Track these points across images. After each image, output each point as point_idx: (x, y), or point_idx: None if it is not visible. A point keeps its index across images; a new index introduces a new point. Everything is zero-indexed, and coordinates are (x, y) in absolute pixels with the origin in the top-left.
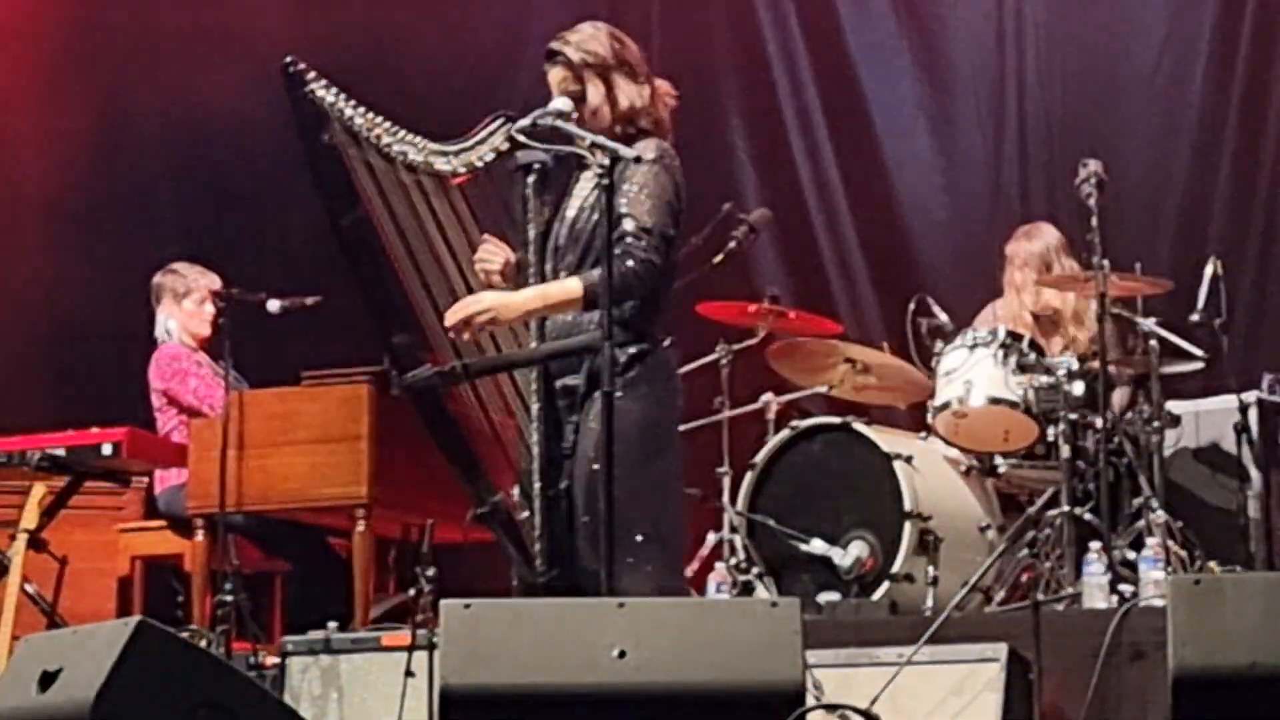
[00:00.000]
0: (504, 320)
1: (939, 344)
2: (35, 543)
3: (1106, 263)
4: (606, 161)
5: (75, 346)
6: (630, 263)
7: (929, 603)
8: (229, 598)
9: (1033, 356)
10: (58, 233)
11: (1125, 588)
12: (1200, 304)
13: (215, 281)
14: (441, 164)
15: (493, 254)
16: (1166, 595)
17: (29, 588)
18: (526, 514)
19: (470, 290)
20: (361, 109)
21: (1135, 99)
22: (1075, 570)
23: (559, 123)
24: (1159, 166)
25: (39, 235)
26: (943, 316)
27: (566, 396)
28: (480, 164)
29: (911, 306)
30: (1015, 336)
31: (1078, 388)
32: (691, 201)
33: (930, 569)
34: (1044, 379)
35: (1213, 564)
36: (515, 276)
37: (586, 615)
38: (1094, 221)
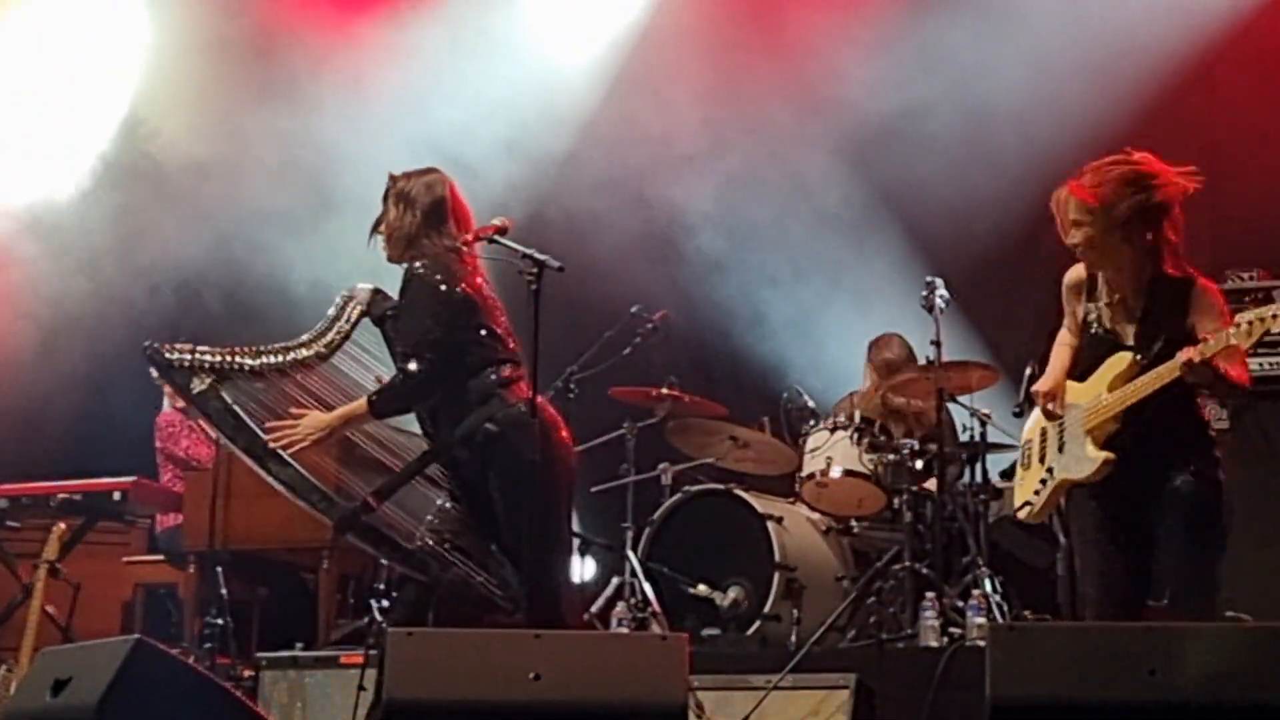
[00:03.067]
0: (316, 439)
1: (807, 424)
2: (54, 571)
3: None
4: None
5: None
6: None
7: (793, 638)
8: (216, 620)
9: (883, 438)
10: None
11: (954, 630)
12: (1020, 398)
13: None
14: (304, 354)
15: (294, 425)
16: (986, 637)
17: (48, 609)
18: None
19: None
20: (216, 351)
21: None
22: (914, 615)
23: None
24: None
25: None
26: (811, 403)
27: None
28: (339, 336)
29: (784, 395)
30: (869, 421)
31: (919, 465)
32: (605, 303)
33: (795, 611)
34: (891, 457)
35: (1026, 612)
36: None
37: (508, 643)
38: (936, 328)
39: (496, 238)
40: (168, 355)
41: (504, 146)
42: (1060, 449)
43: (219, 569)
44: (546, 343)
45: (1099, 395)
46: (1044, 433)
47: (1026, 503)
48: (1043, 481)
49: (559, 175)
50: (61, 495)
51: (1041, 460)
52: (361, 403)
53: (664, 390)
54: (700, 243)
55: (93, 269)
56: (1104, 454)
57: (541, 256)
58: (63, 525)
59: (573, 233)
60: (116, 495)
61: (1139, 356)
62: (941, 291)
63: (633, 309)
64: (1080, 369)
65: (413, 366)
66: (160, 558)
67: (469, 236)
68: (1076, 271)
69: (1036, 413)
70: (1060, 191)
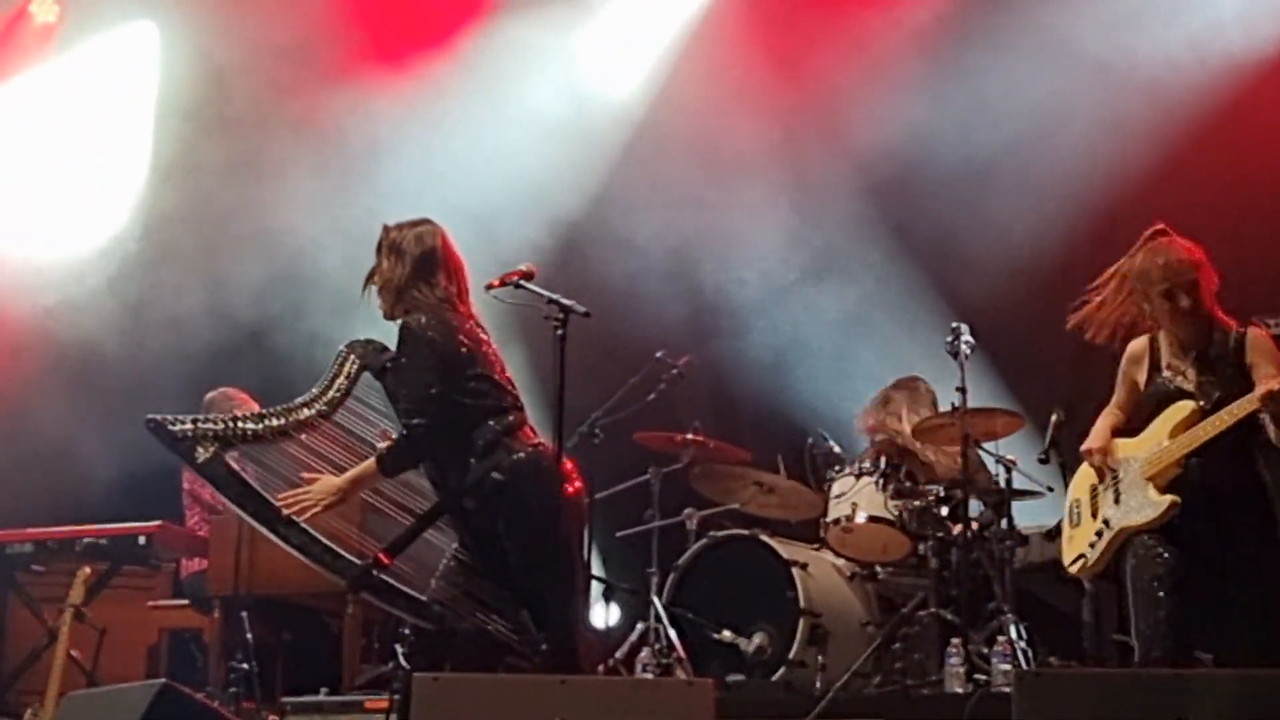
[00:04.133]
0: (329, 504)
1: (832, 470)
2: (80, 615)
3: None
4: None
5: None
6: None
7: (818, 684)
8: (241, 665)
9: (908, 484)
10: None
11: (980, 676)
12: (1046, 444)
13: (253, 408)
14: (307, 414)
15: (386, 445)
16: (1012, 684)
17: (73, 653)
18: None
19: None
20: (219, 419)
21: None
22: (939, 661)
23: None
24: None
25: None
26: (836, 448)
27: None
28: (339, 394)
29: (809, 440)
30: (894, 467)
31: (944, 511)
32: (629, 348)
33: (819, 657)
34: (916, 503)
35: (1052, 659)
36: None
37: (534, 688)
38: (961, 374)
39: (522, 283)
40: (170, 427)
41: (530, 195)
42: (1116, 500)
43: (244, 614)
44: (571, 388)
45: (1160, 443)
46: (1094, 489)
47: (1080, 555)
48: (1098, 534)
49: (583, 225)
50: (87, 539)
51: (1094, 515)
52: (371, 463)
53: (688, 436)
54: (725, 289)
55: (124, 316)
56: (1169, 497)
57: (567, 302)
58: (88, 569)
59: (597, 279)
60: (142, 540)
61: (1201, 403)
62: (967, 337)
63: (657, 354)
64: (1136, 425)
65: (416, 422)
66: (185, 602)
67: (495, 281)
68: (1141, 343)
69: (1082, 471)
70: (1169, 256)
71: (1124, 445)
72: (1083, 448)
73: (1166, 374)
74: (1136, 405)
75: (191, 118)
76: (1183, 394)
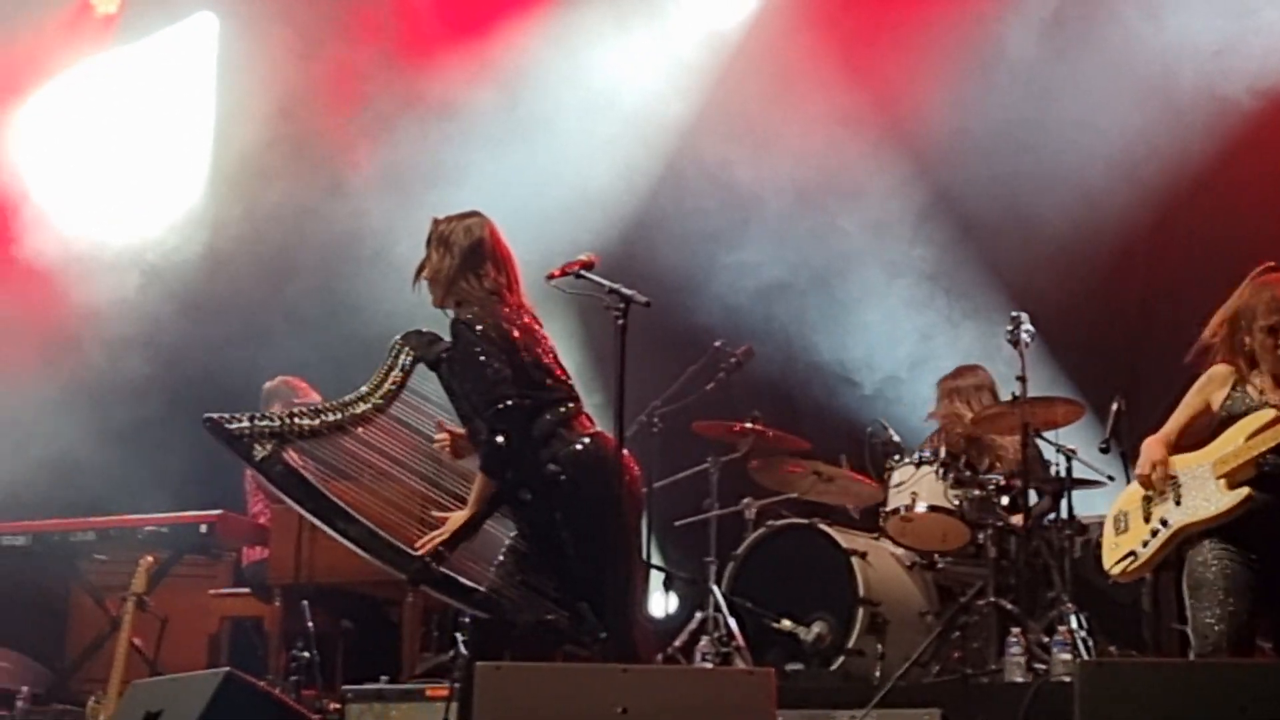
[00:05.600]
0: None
1: (891, 459)
2: (142, 604)
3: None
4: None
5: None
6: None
7: (877, 673)
8: (302, 653)
9: (968, 473)
10: None
11: (1039, 666)
12: (1106, 433)
13: (314, 397)
14: (363, 408)
15: (443, 439)
16: (1073, 674)
17: (135, 641)
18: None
19: (422, 472)
20: (275, 416)
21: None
22: (998, 650)
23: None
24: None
25: None
26: (896, 437)
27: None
28: (394, 387)
29: (869, 429)
30: (954, 456)
31: (1004, 500)
32: (688, 336)
33: (879, 646)
34: (976, 492)
35: (1112, 648)
36: (466, 445)
37: (595, 677)
38: (1022, 363)
39: (583, 273)
40: (228, 426)
41: (590, 185)
42: (1177, 502)
43: (305, 602)
44: (630, 377)
45: (1235, 444)
46: (1147, 500)
47: (1130, 554)
48: (1153, 533)
49: (643, 216)
50: (149, 528)
51: (1146, 520)
52: (481, 478)
53: (747, 425)
54: (783, 277)
55: (187, 305)
56: (1243, 490)
57: (628, 292)
58: (150, 558)
59: (656, 268)
60: (203, 528)
61: None
62: (1027, 326)
63: (716, 343)
64: (1190, 445)
65: (497, 409)
66: (246, 591)
67: (555, 272)
68: (1227, 369)
69: (1132, 488)
70: (1276, 291)
71: (1184, 459)
72: (1138, 470)
73: (1250, 391)
74: (1196, 430)
75: (251, 107)
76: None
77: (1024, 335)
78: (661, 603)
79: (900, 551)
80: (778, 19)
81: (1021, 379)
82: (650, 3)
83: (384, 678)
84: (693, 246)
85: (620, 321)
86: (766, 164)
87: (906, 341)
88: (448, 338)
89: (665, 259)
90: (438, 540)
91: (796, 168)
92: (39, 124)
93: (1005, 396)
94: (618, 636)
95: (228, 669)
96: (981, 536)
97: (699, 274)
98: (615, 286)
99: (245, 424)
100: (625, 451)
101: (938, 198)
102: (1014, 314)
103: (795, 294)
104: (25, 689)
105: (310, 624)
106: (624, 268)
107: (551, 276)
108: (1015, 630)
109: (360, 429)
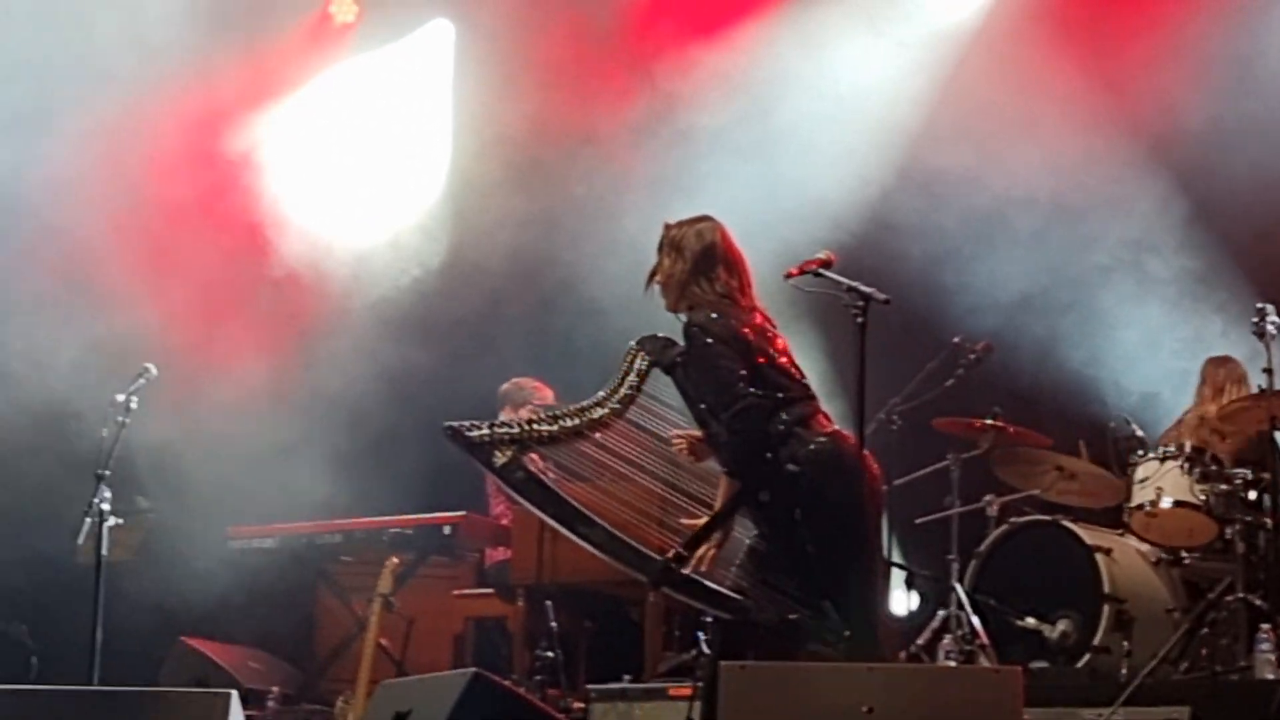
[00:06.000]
0: (720, 541)
1: (1135, 454)
2: (388, 605)
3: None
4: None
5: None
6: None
7: (1123, 671)
8: (546, 653)
9: (1214, 468)
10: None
11: None
12: None
13: (548, 397)
14: (600, 413)
15: (680, 442)
16: None
17: (382, 642)
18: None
19: (659, 474)
20: (515, 423)
21: None
22: (1248, 647)
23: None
24: None
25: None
26: (1139, 432)
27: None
28: (630, 391)
29: (1112, 424)
30: (1199, 450)
31: (1252, 495)
32: (929, 333)
33: (1125, 643)
34: (1223, 487)
35: None
36: (703, 447)
37: (841, 677)
38: (1268, 355)
39: (821, 271)
40: (468, 434)
41: (829, 183)
42: None
43: (548, 602)
44: (868, 375)
45: None
46: None
47: None
48: None
49: (877, 215)
50: (393, 530)
51: None
52: (725, 481)
53: (988, 421)
54: (1023, 272)
55: (435, 311)
56: None
57: (867, 290)
58: (395, 560)
59: (893, 264)
60: (446, 530)
61: None
62: (1273, 318)
63: (955, 339)
64: None
65: (737, 409)
66: (489, 591)
67: (794, 270)
68: None
69: None
70: None
71: None
72: None
73: None
74: None
75: (489, 114)
76: None
77: (1270, 327)
78: (903, 601)
79: (1145, 548)
80: (1017, 20)
81: (1268, 371)
82: (890, 5)
83: (626, 677)
84: (931, 240)
85: (860, 320)
86: (1005, 154)
87: (1150, 335)
88: (681, 342)
89: (905, 263)
90: (700, 556)
91: (1043, 175)
92: (283, 134)
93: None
94: (861, 635)
95: (475, 669)
96: (1229, 531)
97: (937, 269)
98: (854, 284)
99: (485, 431)
100: (865, 450)
101: (1181, 188)
102: (1259, 305)
103: (1036, 289)
104: (275, 689)
105: (554, 624)
106: (865, 269)
107: (789, 275)
108: (1265, 627)
109: (598, 433)
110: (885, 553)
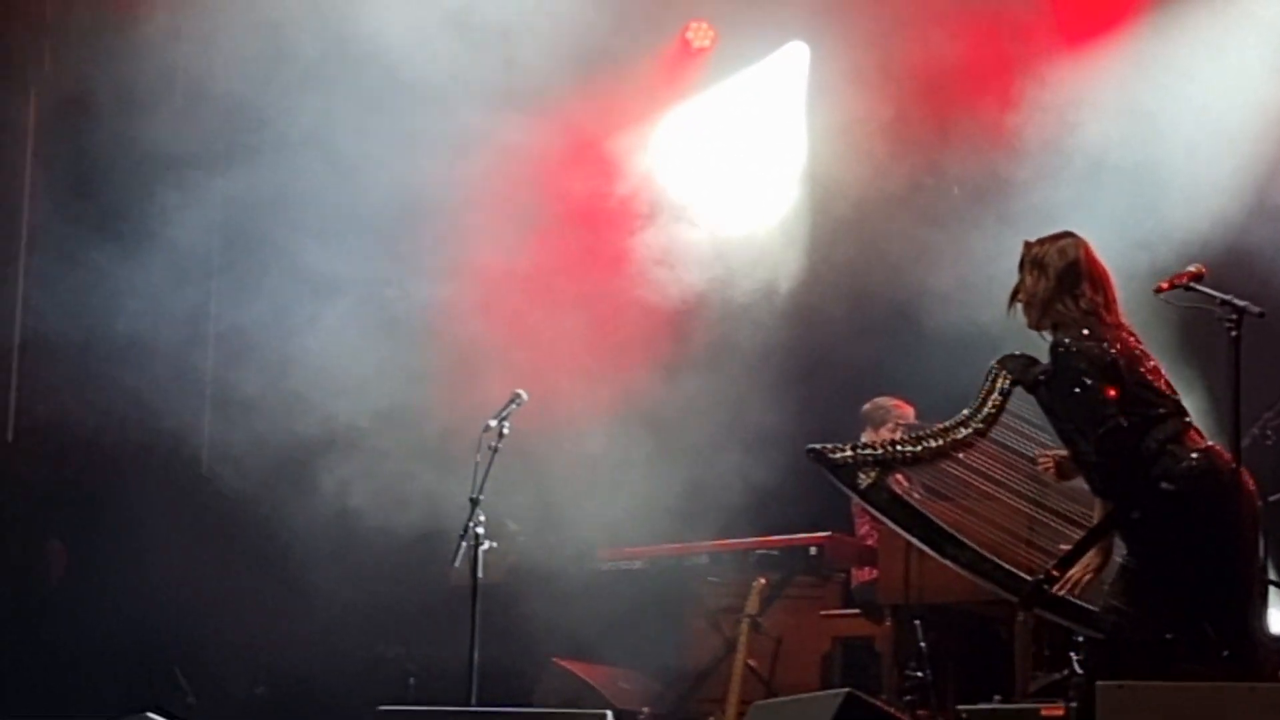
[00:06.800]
0: (1096, 566)
1: None
2: (756, 625)
3: None
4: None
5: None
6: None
7: None
8: (915, 673)
9: None
10: None
11: None
12: None
13: (909, 415)
14: (964, 433)
15: (1046, 461)
16: None
17: (750, 662)
18: None
19: (1024, 493)
20: (878, 445)
21: None
22: None
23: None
24: None
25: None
26: None
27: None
28: (993, 410)
29: None
30: None
31: None
32: None
33: None
34: None
35: None
36: (1070, 466)
37: (1222, 696)
38: None
39: (1193, 284)
40: (831, 456)
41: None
42: None
43: (916, 622)
44: (1243, 389)
45: None
46: None
47: None
48: None
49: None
50: (760, 551)
51: None
52: (1099, 502)
53: None
54: None
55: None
56: None
57: (1241, 303)
58: (763, 580)
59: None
60: (813, 550)
61: None
62: None
63: None
64: None
65: (1104, 430)
66: (856, 611)
67: (1164, 284)
68: None
69: None
70: None
71: None
72: None
73: None
74: None
75: (846, 137)
76: None
77: None
78: (1276, 619)
79: None
80: None
81: None
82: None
83: (997, 697)
84: None
85: (1234, 334)
86: None
87: None
88: (1044, 360)
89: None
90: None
91: None
92: (650, 161)
93: None
94: (1240, 654)
95: (848, 689)
96: None
97: None
98: (1227, 298)
99: (848, 453)
100: (1240, 465)
101: None
102: None
103: None
104: (645, 709)
105: (923, 643)
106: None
107: (1159, 289)
108: None
109: (961, 454)
110: (1263, 570)
